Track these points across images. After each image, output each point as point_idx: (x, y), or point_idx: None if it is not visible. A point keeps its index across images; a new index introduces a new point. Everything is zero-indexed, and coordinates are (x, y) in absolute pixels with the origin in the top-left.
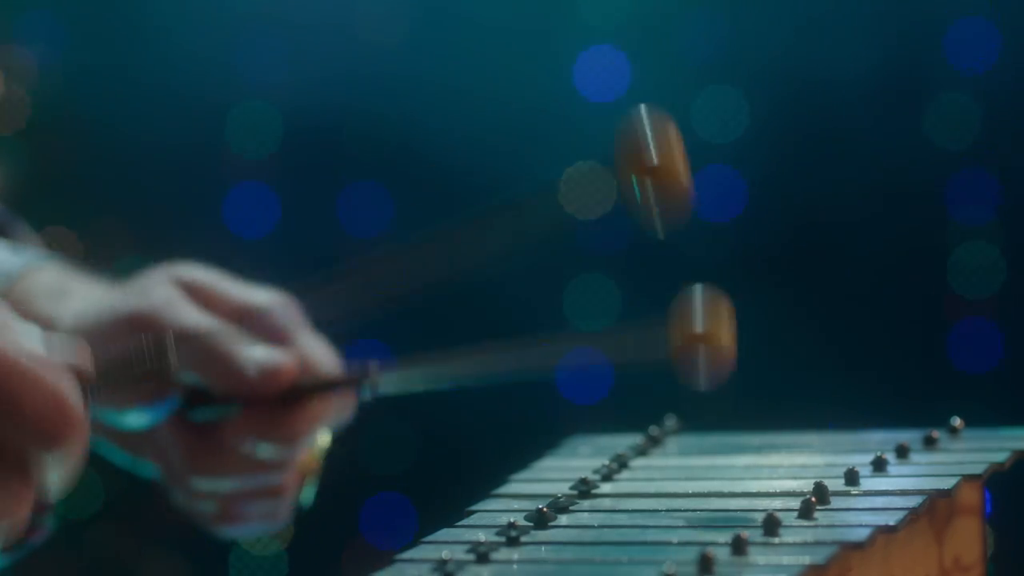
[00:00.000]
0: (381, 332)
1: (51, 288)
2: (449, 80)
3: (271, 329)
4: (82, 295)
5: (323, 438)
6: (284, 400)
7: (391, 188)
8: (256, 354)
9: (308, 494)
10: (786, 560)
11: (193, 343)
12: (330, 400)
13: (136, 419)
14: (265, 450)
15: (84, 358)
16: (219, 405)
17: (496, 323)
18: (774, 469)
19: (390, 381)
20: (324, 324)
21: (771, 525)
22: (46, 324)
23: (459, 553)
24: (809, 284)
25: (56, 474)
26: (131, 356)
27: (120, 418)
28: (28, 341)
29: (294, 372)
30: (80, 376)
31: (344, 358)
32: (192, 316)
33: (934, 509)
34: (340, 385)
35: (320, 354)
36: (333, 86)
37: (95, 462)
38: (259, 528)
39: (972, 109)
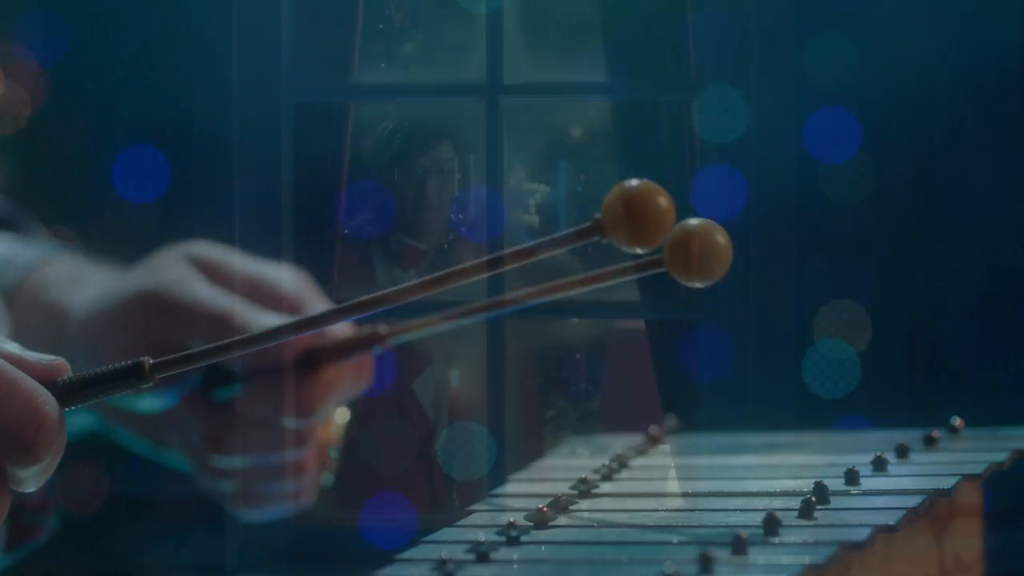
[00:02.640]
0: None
1: (66, 277)
2: None
3: (283, 300)
4: (97, 283)
5: (341, 414)
6: (299, 368)
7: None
8: (268, 323)
9: (329, 474)
10: (786, 560)
11: (206, 316)
12: (346, 366)
13: (151, 402)
14: (283, 422)
15: (61, 370)
16: (236, 380)
17: None
18: (774, 469)
19: (402, 338)
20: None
21: (771, 525)
22: (60, 314)
23: (459, 553)
24: (808, 283)
25: (30, 481)
26: (108, 371)
27: (135, 401)
28: (4, 351)
29: (307, 338)
30: (56, 387)
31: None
32: (204, 291)
33: (934, 509)
34: (354, 348)
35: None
36: None
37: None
38: (282, 509)
39: None
